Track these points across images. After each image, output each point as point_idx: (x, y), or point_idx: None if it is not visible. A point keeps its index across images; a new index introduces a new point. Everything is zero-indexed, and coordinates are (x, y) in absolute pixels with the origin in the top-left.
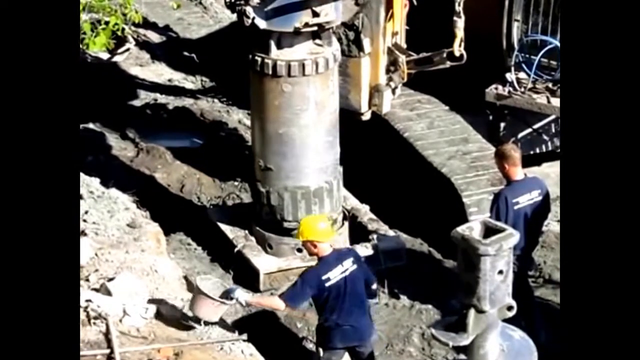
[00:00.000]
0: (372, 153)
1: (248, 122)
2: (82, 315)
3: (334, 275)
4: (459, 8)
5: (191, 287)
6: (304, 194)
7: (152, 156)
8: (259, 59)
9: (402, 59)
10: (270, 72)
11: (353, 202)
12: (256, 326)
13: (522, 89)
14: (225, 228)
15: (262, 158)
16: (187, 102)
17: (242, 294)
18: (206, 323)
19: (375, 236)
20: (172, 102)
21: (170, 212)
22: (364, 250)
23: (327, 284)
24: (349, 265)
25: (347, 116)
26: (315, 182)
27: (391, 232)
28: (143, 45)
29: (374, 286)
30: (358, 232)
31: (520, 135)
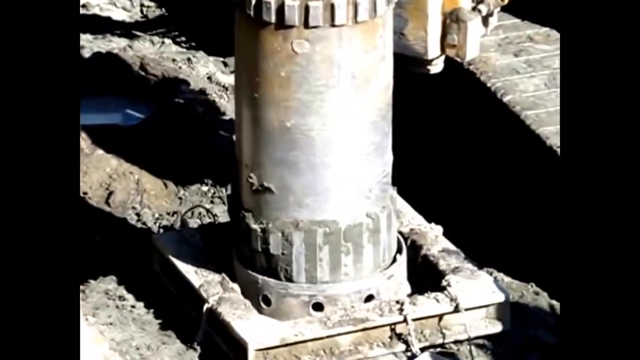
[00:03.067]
0: (446, 131)
1: (223, 79)
2: None
3: None
4: None
5: None
6: (328, 236)
7: None
8: None
9: None
10: (274, 20)
11: (414, 220)
12: None
13: None
14: (186, 269)
15: (255, 170)
16: (117, 43)
17: None
18: None
19: (452, 279)
20: (90, 44)
21: (89, 241)
22: (434, 305)
23: None
24: None
25: (404, 67)
26: (349, 214)
27: (482, 273)
28: None
29: None
30: (423, 273)
31: None
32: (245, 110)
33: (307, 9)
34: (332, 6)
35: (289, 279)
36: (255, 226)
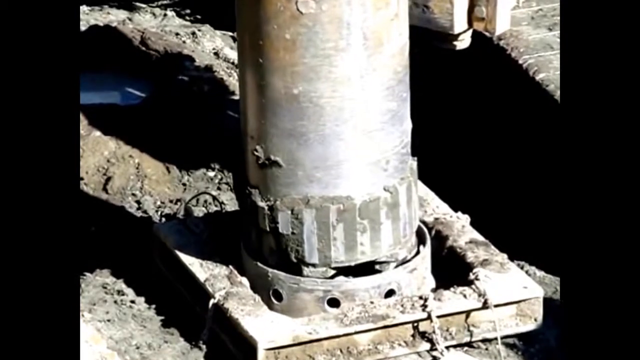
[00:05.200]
0: (473, 112)
1: (231, 55)
2: None
3: None
4: None
5: None
6: (342, 213)
7: None
8: None
9: None
10: None
11: (439, 209)
12: None
13: None
14: (190, 261)
15: (261, 142)
16: (116, 16)
17: None
18: None
19: (481, 273)
20: (86, 16)
21: (86, 231)
22: (461, 300)
23: None
24: None
25: (427, 42)
26: (364, 189)
27: (513, 266)
28: None
29: None
30: (449, 266)
31: None
32: (249, 77)
33: None
34: None
35: (301, 260)
36: (262, 204)
